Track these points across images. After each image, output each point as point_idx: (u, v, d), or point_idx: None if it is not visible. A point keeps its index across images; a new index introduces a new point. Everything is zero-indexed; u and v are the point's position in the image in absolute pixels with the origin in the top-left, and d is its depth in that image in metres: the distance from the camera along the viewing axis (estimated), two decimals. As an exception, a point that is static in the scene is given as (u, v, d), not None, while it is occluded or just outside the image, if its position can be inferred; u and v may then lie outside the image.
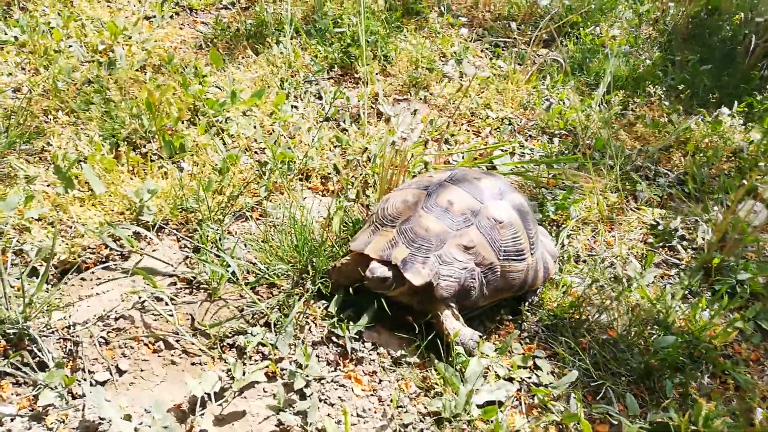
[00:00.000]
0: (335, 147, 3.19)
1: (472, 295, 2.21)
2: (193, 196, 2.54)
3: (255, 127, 3.11)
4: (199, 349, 2.05)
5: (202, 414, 1.86)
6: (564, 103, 3.89)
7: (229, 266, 2.26)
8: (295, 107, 3.45)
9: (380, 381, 2.06)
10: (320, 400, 1.97)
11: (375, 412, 1.96)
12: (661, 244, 2.96)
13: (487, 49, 4.48)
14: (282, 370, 2.02)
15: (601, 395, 2.16)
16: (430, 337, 2.12)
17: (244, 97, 3.27)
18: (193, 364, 2.03)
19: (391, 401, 1.97)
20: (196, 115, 3.16)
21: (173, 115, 2.95)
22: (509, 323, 2.39)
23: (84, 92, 3.08)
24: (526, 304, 2.44)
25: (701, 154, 3.58)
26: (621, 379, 2.22)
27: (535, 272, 2.38)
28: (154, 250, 2.41)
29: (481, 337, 2.17)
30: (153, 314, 2.14)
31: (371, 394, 2.02)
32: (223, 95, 3.25)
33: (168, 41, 3.85)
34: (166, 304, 2.18)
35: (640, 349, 2.30)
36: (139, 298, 2.17)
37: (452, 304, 2.20)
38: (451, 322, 2.16)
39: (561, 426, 2.02)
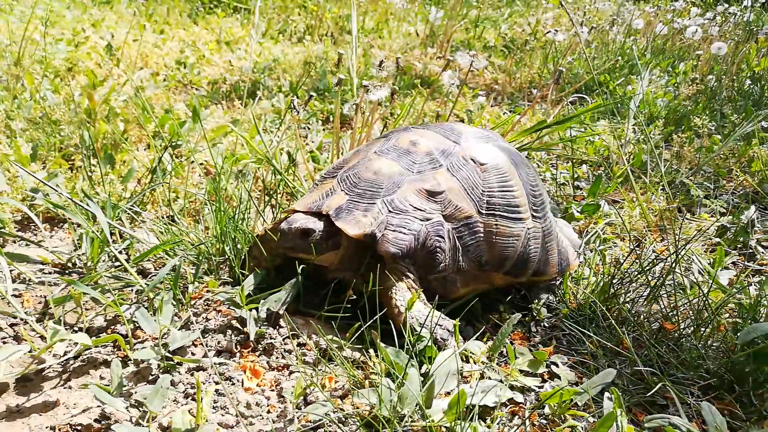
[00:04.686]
0: (309, 162, 2.67)
1: (438, 262, 1.50)
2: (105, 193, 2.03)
3: (219, 155, 2.65)
4: (39, 335, 1.39)
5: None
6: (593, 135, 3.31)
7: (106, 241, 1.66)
8: (273, 141, 3.02)
9: (291, 373, 1.32)
10: (187, 396, 1.24)
11: (269, 411, 1.20)
12: (733, 248, 2.15)
13: (505, 112, 4.06)
14: (142, 360, 1.32)
15: (659, 406, 1.31)
16: (376, 318, 1.39)
17: (211, 127, 2.89)
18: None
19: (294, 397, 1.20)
20: (153, 139, 2.77)
21: (118, 128, 2.56)
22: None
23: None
24: (539, 302, 1.68)
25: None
26: (690, 387, 1.37)
27: (544, 249, 1.65)
28: (40, 241, 1.86)
29: (455, 326, 1.41)
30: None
31: (270, 389, 1.26)
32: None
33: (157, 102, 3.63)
34: (22, 283, 1.59)
35: (721, 349, 1.46)
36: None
37: (409, 274, 1.48)
38: (404, 295, 1.43)
39: (590, 446, 1.19)
